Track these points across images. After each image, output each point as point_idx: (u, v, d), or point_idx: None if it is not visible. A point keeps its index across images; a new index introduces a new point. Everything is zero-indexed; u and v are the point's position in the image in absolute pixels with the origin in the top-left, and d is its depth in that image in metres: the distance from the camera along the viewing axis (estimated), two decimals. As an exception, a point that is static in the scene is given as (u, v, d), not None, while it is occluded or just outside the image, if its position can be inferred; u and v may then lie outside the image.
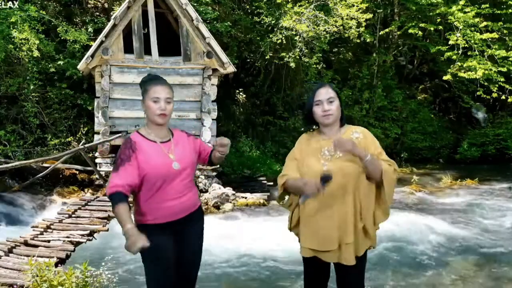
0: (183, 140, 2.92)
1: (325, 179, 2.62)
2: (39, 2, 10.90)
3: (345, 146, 2.69)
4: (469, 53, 12.96)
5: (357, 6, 12.01)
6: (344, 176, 2.74)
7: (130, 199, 2.73)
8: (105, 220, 6.49)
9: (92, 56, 8.89)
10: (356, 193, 2.77)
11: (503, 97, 13.21)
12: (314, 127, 3.00)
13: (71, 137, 10.17)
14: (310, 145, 2.91)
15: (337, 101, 2.85)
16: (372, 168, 2.74)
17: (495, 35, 12.50)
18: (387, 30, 14.43)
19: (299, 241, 2.95)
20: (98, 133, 9.31)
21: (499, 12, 13.15)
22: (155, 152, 2.76)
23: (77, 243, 5.59)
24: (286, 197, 3.04)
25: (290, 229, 3.02)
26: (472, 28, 12.77)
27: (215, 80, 9.69)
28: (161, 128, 2.83)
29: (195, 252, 2.96)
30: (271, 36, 11.82)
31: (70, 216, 6.70)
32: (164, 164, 2.74)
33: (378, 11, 14.22)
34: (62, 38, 10.09)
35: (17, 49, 9.52)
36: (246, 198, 9.11)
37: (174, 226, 2.81)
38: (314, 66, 12.31)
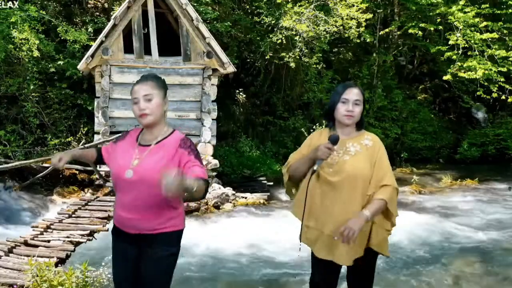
0: (168, 149, 2.50)
1: (334, 138, 2.67)
2: (39, 2, 10.89)
3: (354, 231, 2.61)
4: (469, 53, 12.96)
5: (357, 6, 12.00)
6: (345, 179, 2.74)
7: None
8: (105, 220, 6.49)
9: (92, 56, 8.90)
10: (358, 197, 2.75)
11: (503, 97, 13.20)
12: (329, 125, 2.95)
13: (71, 137, 10.16)
14: (320, 142, 2.86)
15: (361, 106, 2.82)
16: (378, 213, 2.77)
17: (495, 35, 12.50)
18: (387, 30, 14.42)
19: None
20: (98, 133, 9.31)
21: (499, 12, 13.14)
22: (125, 152, 2.57)
23: (77, 243, 5.59)
24: (293, 190, 3.03)
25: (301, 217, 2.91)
26: (472, 28, 12.77)
27: (215, 80, 9.69)
28: (150, 130, 2.56)
29: (151, 277, 2.56)
30: (271, 36, 11.82)
31: (70, 216, 6.70)
32: (119, 167, 2.52)
33: (378, 11, 14.21)
34: (62, 38, 10.09)
35: (17, 49, 9.51)
36: (246, 198, 9.11)
37: (135, 238, 2.54)
38: (314, 66, 12.31)
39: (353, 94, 2.78)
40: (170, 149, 2.49)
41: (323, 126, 3.02)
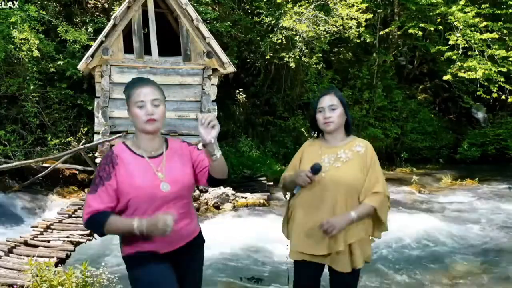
0: (180, 153, 2.41)
1: (315, 168, 2.73)
2: (39, 2, 10.90)
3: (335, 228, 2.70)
4: (469, 53, 12.96)
5: (357, 6, 12.00)
6: (337, 186, 2.76)
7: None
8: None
9: (92, 56, 8.89)
10: (348, 205, 2.77)
11: (503, 97, 13.21)
12: (318, 134, 3.01)
13: (71, 137, 10.17)
14: (311, 151, 2.92)
15: (340, 109, 2.83)
16: (364, 217, 2.79)
17: (495, 35, 12.50)
18: (387, 30, 14.42)
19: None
20: (98, 133, 9.30)
21: (499, 12, 13.14)
22: (140, 169, 2.29)
23: (77, 243, 5.60)
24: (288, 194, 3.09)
25: (286, 234, 3.00)
26: (472, 28, 12.76)
27: (215, 80, 9.69)
28: (151, 138, 2.35)
29: (196, 283, 2.54)
30: (271, 36, 11.82)
31: (70, 216, 6.70)
32: (149, 186, 2.25)
33: (378, 11, 14.21)
34: (62, 38, 10.09)
35: (17, 49, 9.52)
36: (246, 198, 9.11)
37: (170, 256, 2.37)
38: (314, 66, 12.31)
39: (326, 101, 2.84)
40: (184, 151, 2.42)
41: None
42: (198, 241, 2.50)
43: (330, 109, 2.82)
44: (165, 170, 2.31)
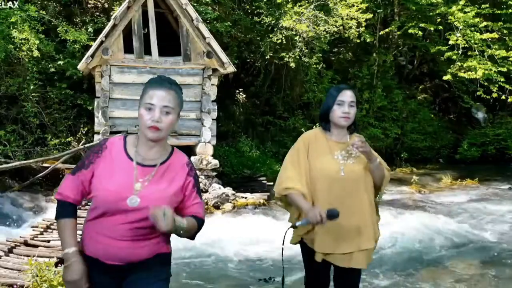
0: (176, 173, 2.15)
1: (332, 214, 2.59)
2: (39, 2, 10.90)
3: (365, 147, 2.73)
4: (469, 53, 12.96)
5: (357, 6, 12.00)
6: (356, 183, 2.79)
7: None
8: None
9: (92, 56, 8.89)
10: (370, 199, 2.85)
11: (503, 97, 13.21)
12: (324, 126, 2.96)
13: (71, 137, 10.16)
14: (319, 146, 2.86)
15: (356, 108, 2.86)
16: (378, 172, 2.84)
17: (495, 35, 12.50)
18: (387, 30, 14.42)
19: (307, 246, 2.89)
20: (98, 133, 9.30)
21: (499, 12, 13.15)
22: (120, 172, 2.08)
23: (77, 243, 5.58)
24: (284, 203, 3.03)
25: (300, 237, 2.92)
26: (472, 28, 12.77)
27: (215, 80, 9.69)
28: (151, 146, 2.13)
29: None
30: (271, 36, 11.81)
31: (70, 216, 6.69)
32: (116, 193, 2.04)
33: (378, 11, 14.21)
34: (62, 38, 10.08)
35: (17, 49, 9.51)
36: (246, 198, 9.11)
37: (117, 270, 2.11)
38: (314, 66, 12.30)
39: (348, 96, 2.82)
40: (179, 174, 2.15)
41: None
42: (156, 262, 2.16)
43: (350, 105, 2.82)
44: (147, 184, 2.07)
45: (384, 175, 2.88)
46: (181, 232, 2.03)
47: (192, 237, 2.16)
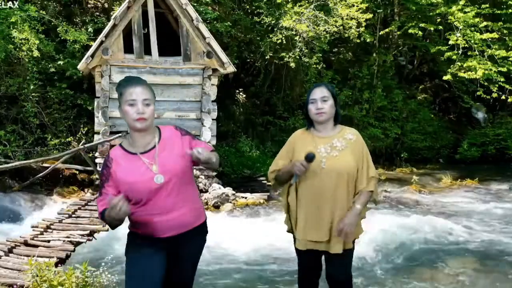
0: (172, 142, 2.54)
1: (309, 157, 2.82)
2: (39, 2, 10.91)
3: (346, 234, 2.89)
4: (469, 53, 12.96)
5: (357, 6, 12.00)
6: (338, 175, 2.90)
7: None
8: (105, 220, 6.48)
9: (92, 56, 8.90)
10: (349, 191, 2.94)
11: (503, 97, 13.21)
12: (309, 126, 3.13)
13: (71, 137, 10.17)
14: (304, 141, 3.05)
15: (331, 101, 2.97)
16: (366, 204, 3.00)
17: (495, 35, 12.50)
18: (387, 30, 14.42)
19: (293, 235, 3.08)
20: (98, 133, 9.31)
21: (499, 12, 13.15)
22: (133, 166, 2.45)
23: (77, 243, 5.59)
24: (279, 188, 3.27)
25: (289, 226, 3.13)
26: (472, 28, 12.77)
27: (215, 80, 9.69)
28: (143, 134, 2.49)
29: (187, 277, 2.69)
30: (271, 36, 11.81)
31: (70, 216, 6.70)
32: (142, 181, 2.42)
33: (378, 11, 14.21)
34: (62, 38, 10.09)
35: (17, 49, 9.52)
36: (246, 198, 9.12)
37: (167, 243, 2.51)
38: (314, 66, 12.30)
39: (318, 92, 2.98)
40: (175, 140, 2.54)
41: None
42: (200, 230, 2.63)
43: (322, 100, 2.95)
44: (158, 162, 2.45)
45: (368, 200, 3.00)
46: (212, 158, 2.45)
47: (220, 164, 2.59)
